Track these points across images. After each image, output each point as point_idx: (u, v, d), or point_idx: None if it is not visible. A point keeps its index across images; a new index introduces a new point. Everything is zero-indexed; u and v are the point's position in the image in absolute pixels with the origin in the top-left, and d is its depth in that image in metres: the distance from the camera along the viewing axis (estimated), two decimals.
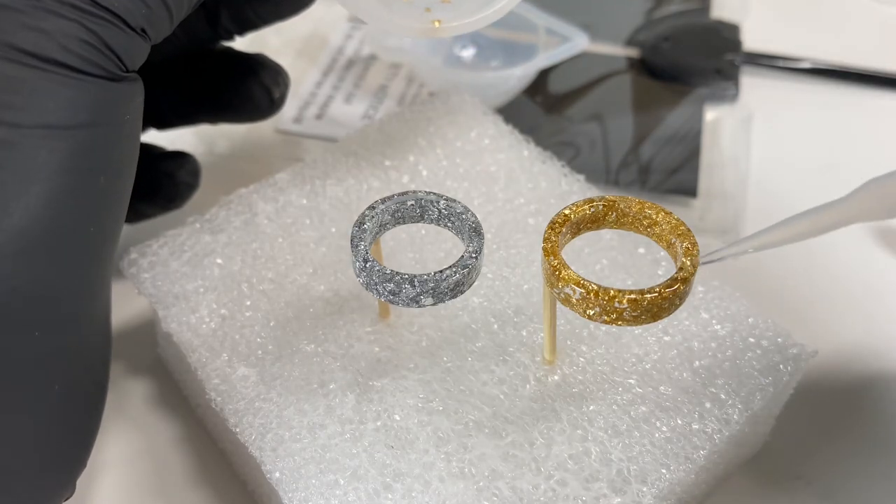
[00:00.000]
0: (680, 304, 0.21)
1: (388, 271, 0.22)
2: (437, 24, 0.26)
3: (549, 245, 0.22)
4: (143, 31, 0.22)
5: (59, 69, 0.20)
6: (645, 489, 0.23)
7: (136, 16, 0.22)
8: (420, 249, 0.29)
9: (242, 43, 0.31)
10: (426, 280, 0.22)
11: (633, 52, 0.45)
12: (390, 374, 0.25)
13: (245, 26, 0.30)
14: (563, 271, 0.21)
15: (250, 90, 0.31)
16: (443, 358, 0.26)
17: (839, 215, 0.21)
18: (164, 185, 0.31)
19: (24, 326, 0.21)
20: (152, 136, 0.33)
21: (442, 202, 0.23)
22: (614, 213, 0.23)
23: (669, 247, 0.23)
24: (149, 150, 0.31)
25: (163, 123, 0.32)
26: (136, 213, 0.31)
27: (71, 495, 0.24)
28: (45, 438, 0.22)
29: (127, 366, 0.32)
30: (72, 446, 0.23)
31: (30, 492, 0.22)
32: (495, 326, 0.26)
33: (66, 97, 0.21)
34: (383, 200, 0.23)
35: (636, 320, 0.21)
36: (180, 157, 0.32)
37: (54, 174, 0.20)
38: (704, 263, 0.21)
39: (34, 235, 0.20)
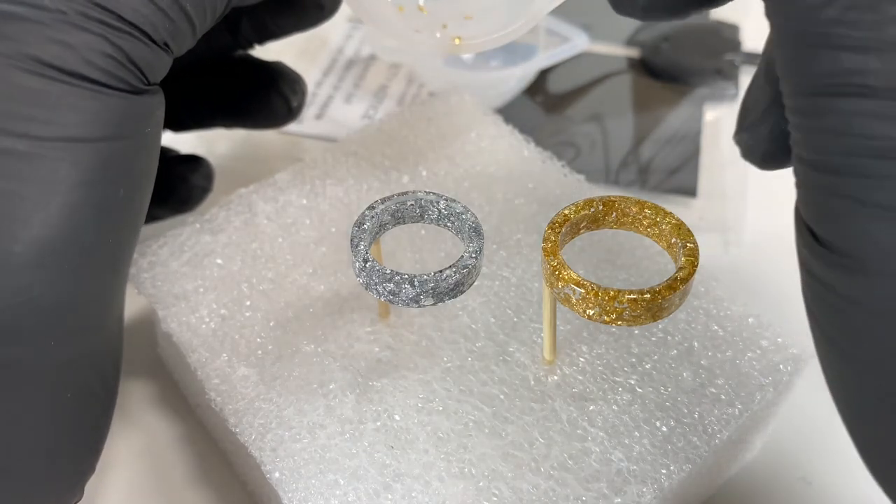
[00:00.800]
0: (680, 304, 0.21)
1: (388, 271, 0.22)
2: (457, 41, 0.26)
3: (549, 245, 0.22)
4: (166, 44, 0.22)
5: (83, 83, 0.20)
6: (645, 489, 0.23)
7: (159, 30, 0.22)
8: (420, 249, 0.29)
9: None
10: (426, 280, 0.22)
11: (633, 52, 0.45)
12: (390, 374, 0.25)
13: (265, 36, 0.30)
14: (563, 271, 0.21)
15: (269, 98, 0.31)
16: (443, 358, 0.26)
17: None
18: (177, 188, 0.31)
19: (41, 336, 0.21)
20: (164, 137, 0.33)
21: (442, 202, 0.23)
22: (614, 213, 0.23)
23: (669, 247, 0.23)
24: (163, 154, 0.31)
25: (179, 127, 0.32)
26: (148, 215, 0.31)
27: (79, 500, 0.24)
28: (55, 445, 0.22)
29: (127, 366, 0.31)
30: (81, 452, 0.23)
31: (39, 497, 0.22)
32: (495, 326, 0.26)
33: (89, 110, 0.21)
34: (383, 200, 0.23)
35: (636, 320, 0.21)
36: (194, 161, 0.32)
37: (75, 186, 0.20)
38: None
39: (53, 247, 0.20)
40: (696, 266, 0.21)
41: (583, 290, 0.21)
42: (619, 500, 0.23)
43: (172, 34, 0.22)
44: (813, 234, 0.18)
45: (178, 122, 0.32)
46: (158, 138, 0.24)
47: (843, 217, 0.17)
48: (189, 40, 0.23)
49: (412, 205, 0.24)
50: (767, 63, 0.21)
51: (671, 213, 0.22)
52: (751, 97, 0.22)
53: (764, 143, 0.22)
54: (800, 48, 0.17)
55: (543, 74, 0.43)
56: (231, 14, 0.29)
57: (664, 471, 0.23)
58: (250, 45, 0.31)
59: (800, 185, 0.18)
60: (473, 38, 0.27)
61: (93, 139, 0.21)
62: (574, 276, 0.21)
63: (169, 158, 0.31)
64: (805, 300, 0.19)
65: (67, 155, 0.20)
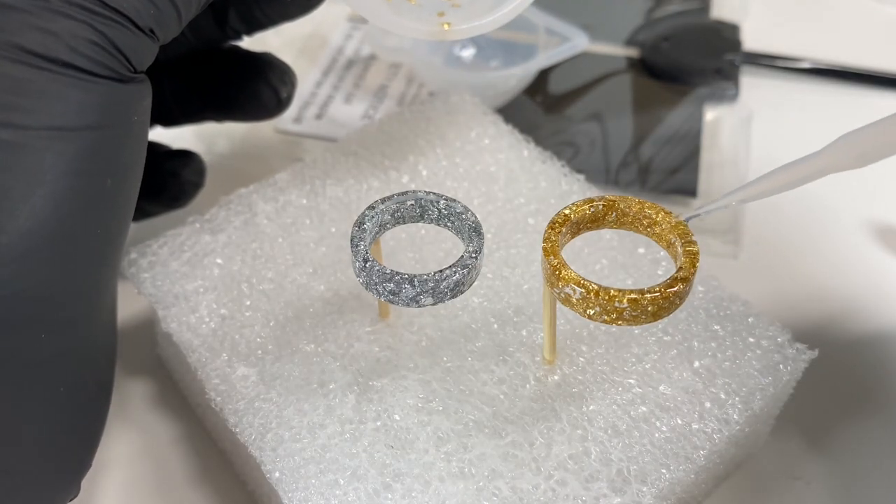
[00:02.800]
0: (680, 304, 0.21)
1: (388, 271, 0.22)
2: (446, 26, 0.27)
3: (549, 245, 0.22)
4: (152, 31, 0.22)
5: (67, 70, 0.20)
6: (645, 489, 0.23)
7: (144, 16, 0.21)
8: (420, 249, 0.29)
9: (245, 42, 0.31)
10: (426, 280, 0.22)
11: (633, 52, 0.45)
12: (390, 374, 0.25)
13: (253, 26, 0.30)
14: (563, 271, 0.21)
15: (258, 89, 0.31)
16: (443, 358, 0.26)
17: (813, 167, 0.22)
18: (169, 183, 0.31)
19: (30, 328, 0.21)
20: (156, 134, 0.33)
21: (442, 202, 0.23)
22: (614, 213, 0.23)
23: (669, 247, 0.23)
24: (154, 149, 0.31)
25: (169, 121, 0.32)
26: (141, 211, 0.31)
27: (76, 496, 0.24)
28: (50, 440, 0.22)
29: (127, 366, 0.32)
30: (77, 447, 0.23)
31: (36, 494, 0.22)
32: (495, 326, 0.26)
33: (74, 99, 0.20)
34: (383, 200, 0.23)
35: (636, 320, 0.21)
36: (186, 156, 0.32)
37: (61, 176, 0.20)
38: (688, 220, 0.22)
39: (40, 237, 0.20)
40: (696, 266, 0.21)
41: (583, 290, 0.21)
42: (619, 500, 0.23)
43: (157, 20, 0.22)
44: None
45: (168, 117, 0.32)
46: (146, 127, 0.23)
47: None
48: (175, 27, 0.23)
49: (412, 205, 0.24)
50: None
51: (671, 212, 0.23)
52: None
53: None
54: None
55: (543, 74, 0.43)
56: (218, 3, 0.28)
57: (664, 471, 0.23)
58: (238, 37, 0.30)
59: None
60: (462, 24, 0.27)
61: (78, 128, 0.20)
62: (574, 275, 0.21)
63: (160, 154, 0.31)
64: None
65: (53, 144, 0.20)
